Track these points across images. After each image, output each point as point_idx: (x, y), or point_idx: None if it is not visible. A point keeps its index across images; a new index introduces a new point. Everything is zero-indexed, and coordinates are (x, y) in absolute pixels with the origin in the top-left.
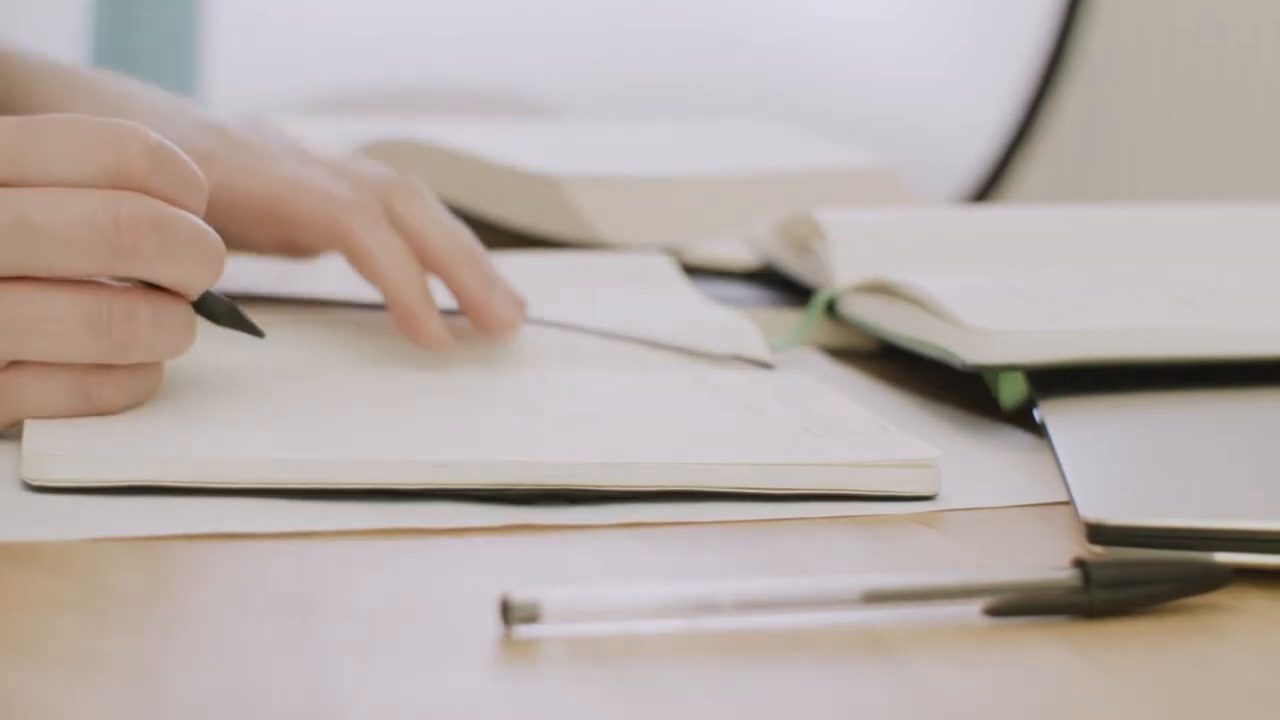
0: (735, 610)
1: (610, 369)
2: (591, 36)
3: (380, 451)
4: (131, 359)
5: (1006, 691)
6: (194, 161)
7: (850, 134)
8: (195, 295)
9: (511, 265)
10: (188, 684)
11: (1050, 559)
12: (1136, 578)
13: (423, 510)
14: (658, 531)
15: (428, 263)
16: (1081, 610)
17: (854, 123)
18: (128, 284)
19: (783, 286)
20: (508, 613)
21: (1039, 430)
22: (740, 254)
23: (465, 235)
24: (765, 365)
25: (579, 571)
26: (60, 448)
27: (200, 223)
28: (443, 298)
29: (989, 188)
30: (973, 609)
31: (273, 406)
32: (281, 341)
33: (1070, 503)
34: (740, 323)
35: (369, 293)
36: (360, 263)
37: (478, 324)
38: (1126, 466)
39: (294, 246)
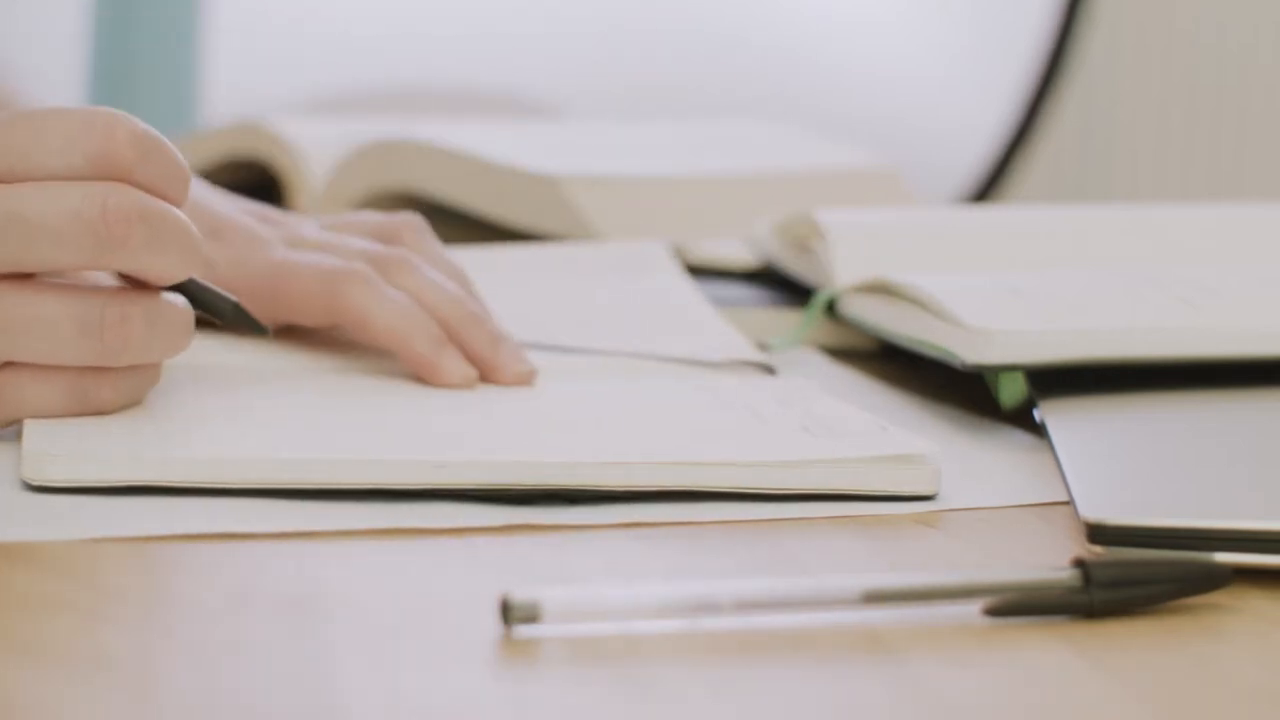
0: (735, 610)
1: (610, 375)
2: (591, 36)
3: (380, 451)
4: (125, 361)
5: (1006, 691)
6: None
7: (850, 134)
8: (171, 283)
9: (508, 260)
10: (188, 684)
11: (1050, 559)
12: (1136, 578)
13: (423, 510)
14: (658, 531)
15: None
16: (1081, 610)
17: (854, 123)
18: (120, 284)
19: (783, 286)
20: (508, 613)
21: (1039, 430)
22: (740, 254)
23: (466, 295)
24: (767, 369)
25: (579, 571)
26: (60, 448)
27: (183, 216)
28: None
29: (989, 188)
30: (973, 609)
31: (273, 406)
32: (281, 342)
33: (1070, 503)
34: (733, 332)
35: None
36: (361, 328)
37: (486, 381)
38: (1126, 466)
39: (294, 329)
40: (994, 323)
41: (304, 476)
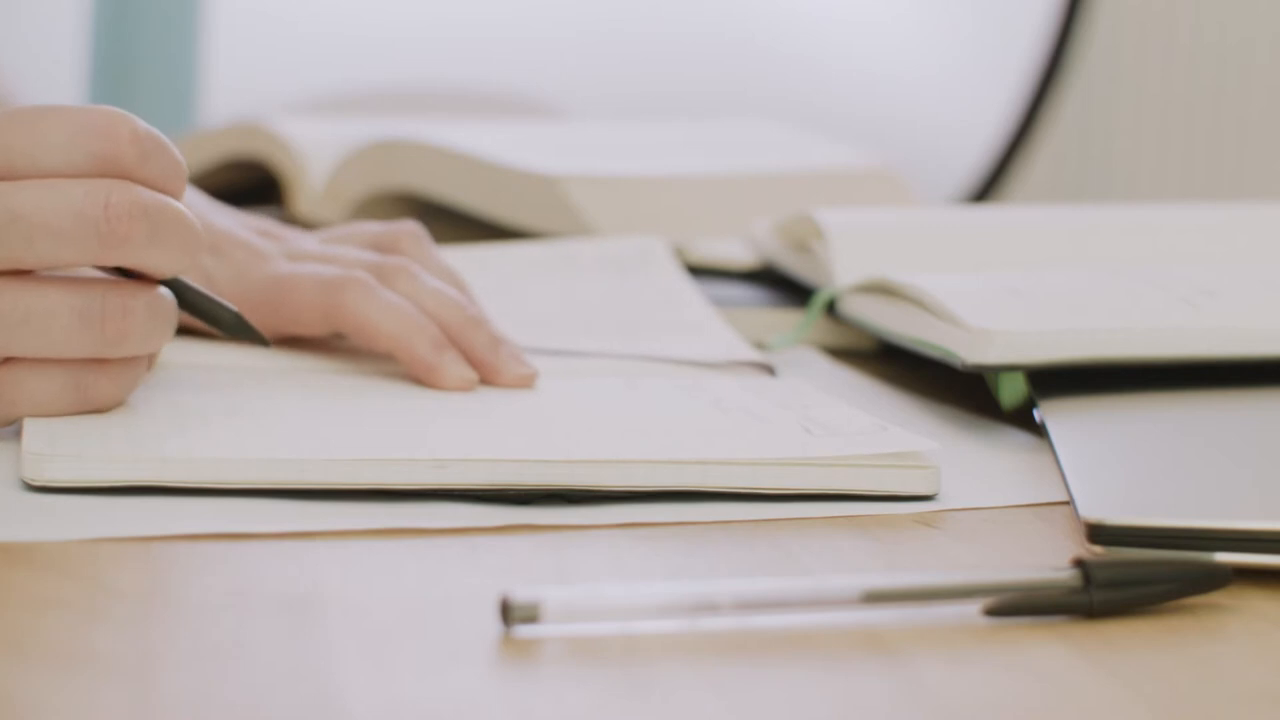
0: (735, 610)
1: (609, 375)
2: (591, 36)
3: (380, 451)
4: (124, 352)
5: (1006, 691)
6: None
7: (850, 134)
8: (172, 276)
9: (507, 258)
10: (188, 684)
11: (1050, 559)
12: (1136, 578)
13: (423, 510)
14: (658, 531)
15: None
16: (1081, 610)
17: (854, 123)
18: (113, 275)
19: (783, 286)
20: (508, 613)
21: (1039, 430)
22: (740, 254)
23: (465, 299)
24: (767, 369)
25: (579, 571)
26: (60, 448)
27: (184, 208)
28: None
29: (989, 188)
30: (973, 609)
31: (273, 406)
32: (282, 345)
33: (1070, 503)
34: (732, 333)
35: None
36: (362, 333)
37: (487, 384)
38: (1126, 466)
39: (295, 340)
40: (994, 323)
41: (303, 476)
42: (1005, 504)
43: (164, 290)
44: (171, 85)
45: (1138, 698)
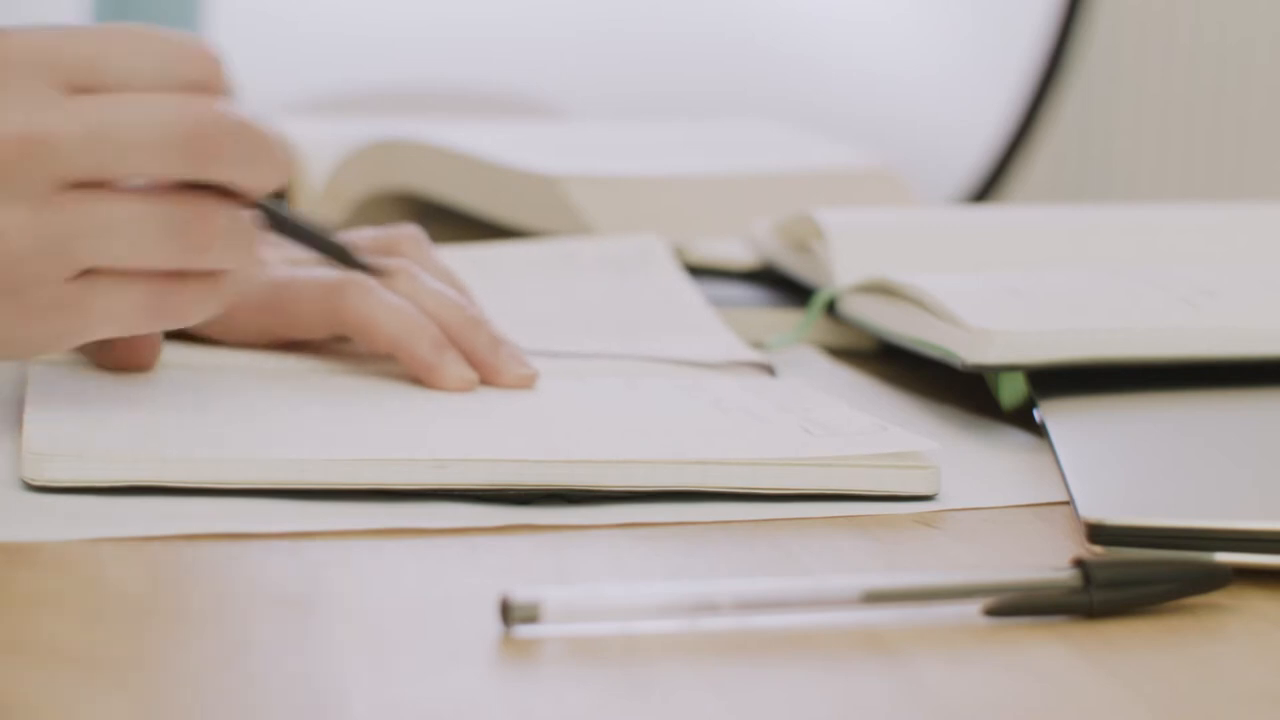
0: (735, 610)
1: (609, 375)
2: (591, 36)
3: (380, 451)
4: (206, 264)
5: (1006, 691)
6: None
7: (850, 134)
8: (260, 195)
9: (507, 258)
10: (188, 684)
11: (1050, 559)
12: (1136, 578)
13: (423, 510)
14: (658, 531)
15: None
16: (1081, 610)
17: (854, 123)
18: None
19: (783, 286)
20: (508, 613)
21: (1039, 430)
22: (739, 254)
23: (465, 300)
24: (766, 369)
25: (579, 571)
26: (60, 448)
27: (268, 125)
28: None
29: (989, 188)
30: (973, 609)
31: (273, 406)
32: (282, 346)
33: (1070, 503)
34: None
35: None
36: (363, 334)
37: (487, 384)
38: (1126, 466)
39: (297, 343)
40: (994, 323)
41: (303, 476)
42: (1005, 504)
43: (249, 211)
44: None
45: (1138, 698)
